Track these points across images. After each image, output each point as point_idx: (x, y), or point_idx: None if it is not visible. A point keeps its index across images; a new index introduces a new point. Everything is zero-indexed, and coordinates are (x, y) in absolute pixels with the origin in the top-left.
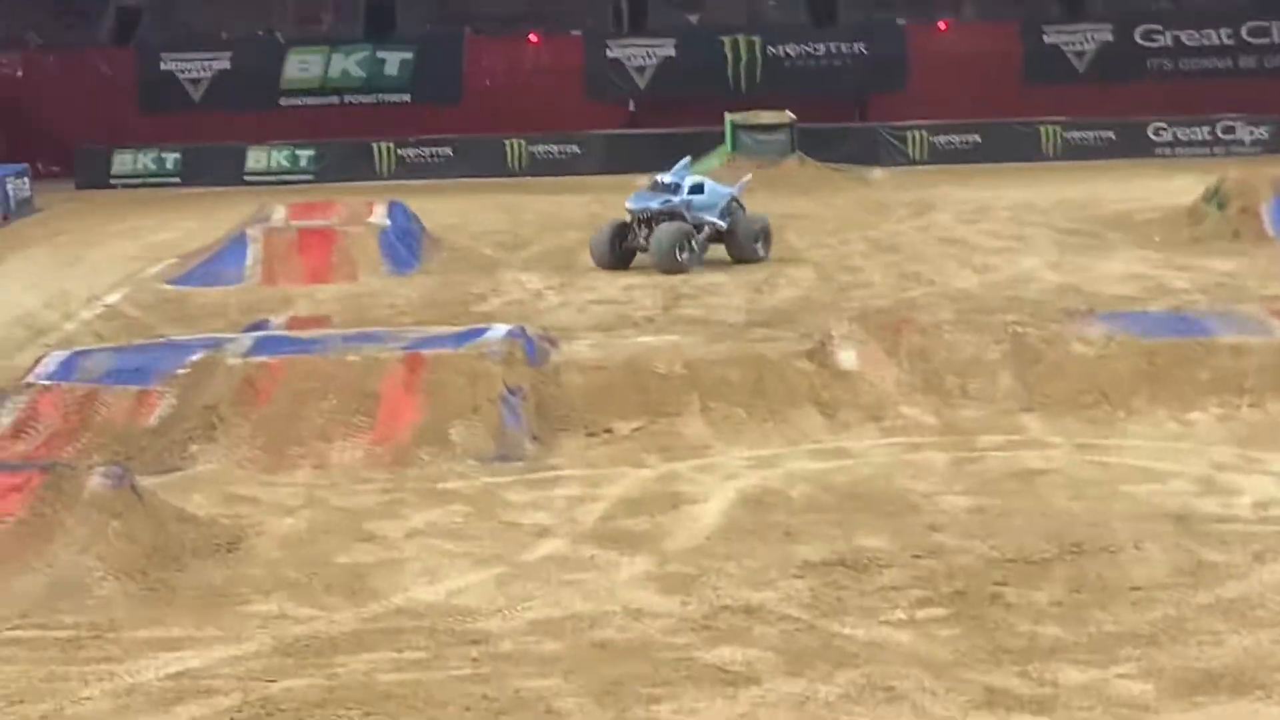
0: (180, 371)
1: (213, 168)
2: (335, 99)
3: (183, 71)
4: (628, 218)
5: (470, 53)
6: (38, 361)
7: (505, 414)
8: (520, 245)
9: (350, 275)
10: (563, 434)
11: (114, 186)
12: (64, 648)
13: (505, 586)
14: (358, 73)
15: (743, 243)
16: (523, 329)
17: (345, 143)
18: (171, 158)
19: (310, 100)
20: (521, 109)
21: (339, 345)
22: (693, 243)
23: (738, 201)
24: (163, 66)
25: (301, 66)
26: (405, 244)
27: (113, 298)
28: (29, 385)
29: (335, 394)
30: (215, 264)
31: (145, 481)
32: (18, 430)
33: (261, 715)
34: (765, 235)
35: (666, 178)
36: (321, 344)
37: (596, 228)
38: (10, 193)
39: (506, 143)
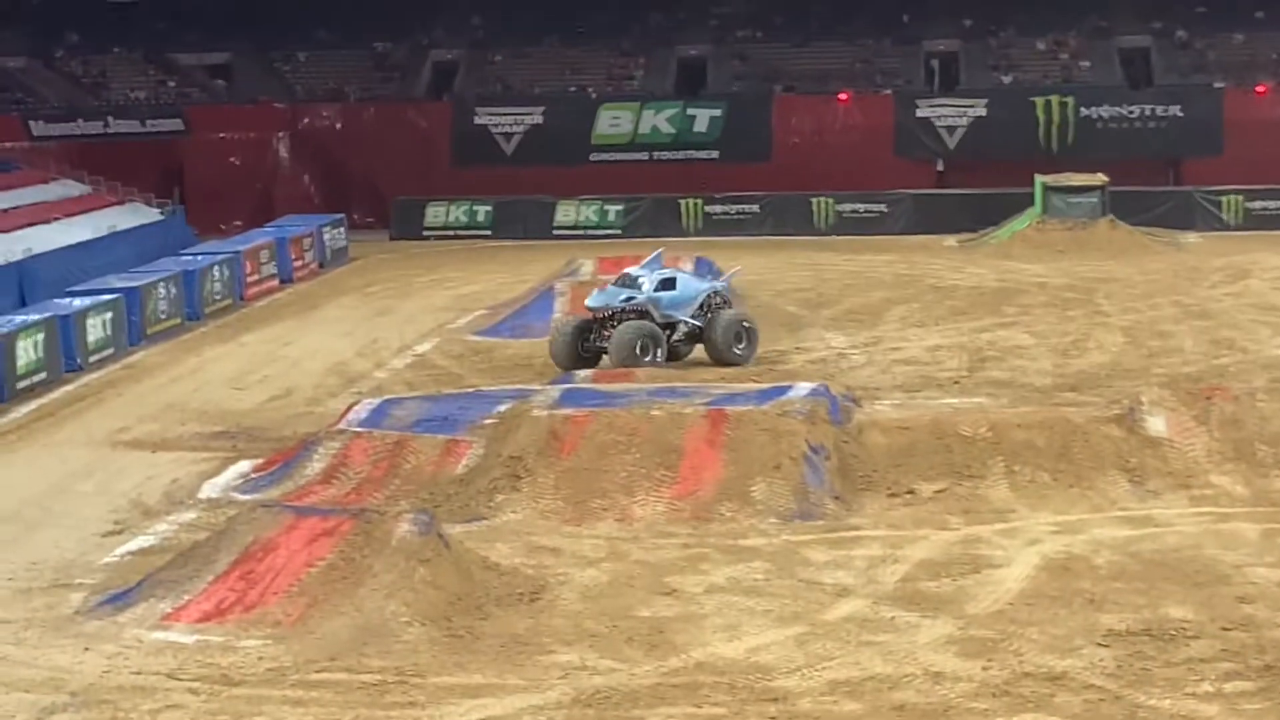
0: (487, 422)
1: (523, 221)
2: (644, 155)
3: (495, 126)
4: (592, 315)
5: (779, 111)
6: (349, 408)
7: (807, 472)
8: (825, 303)
9: None
10: (864, 493)
11: (426, 238)
12: (370, 691)
13: (805, 645)
14: (667, 129)
15: (720, 343)
16: (826, 387)
17: (653, 198)
18: (483, 210)
19: (620, 156)
20: (829, 167)
21: (643, 399)
22: (659, 343)
23: (721, 296)
24: (476, 120)
25: (612, 122)
26: None
27: (423, 347)
28: (341, 431)
29: (639, 448)
30: (523, 316)
31: (451, 529)
32: (329, 475)
33: None
34: (747, 335)
35: (634, 271)
36: (626, 398)
37: (554, 326)
38: (326, 242)
39: (813, 200)
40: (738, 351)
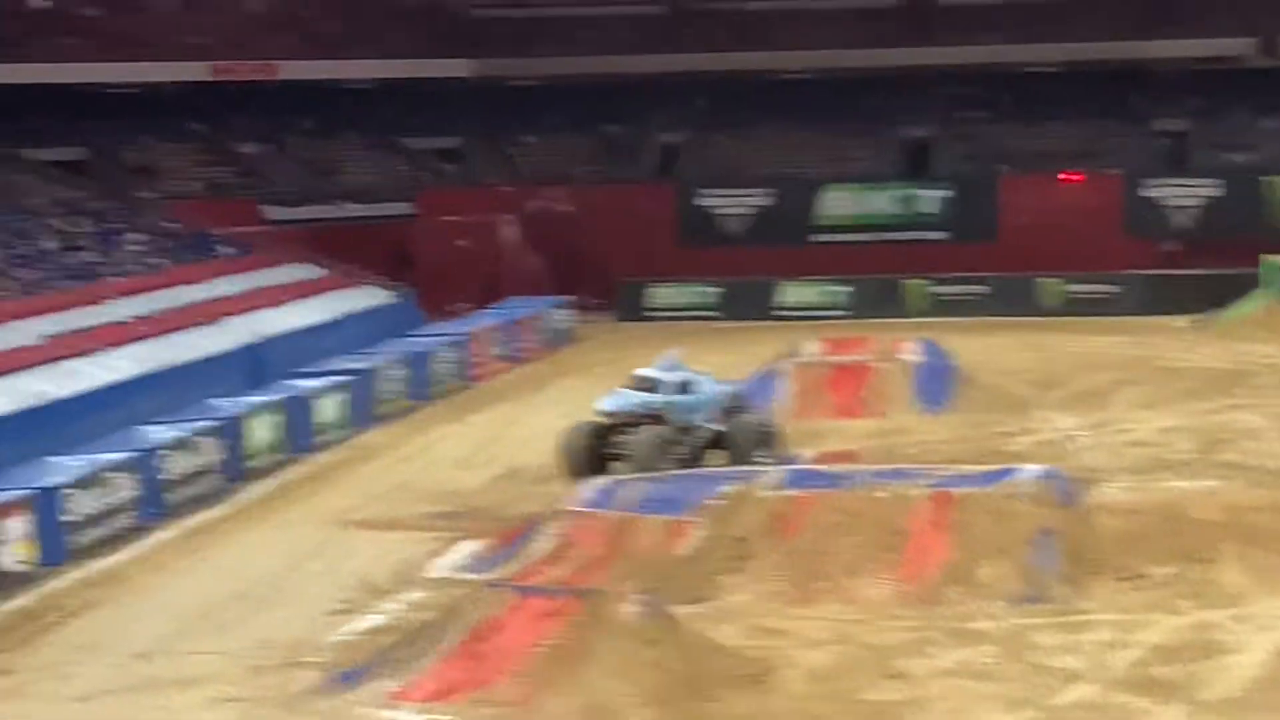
0: (712, 502)
1: (747, 302)
2: (870, 236)
3: (719, 207)
4: (605, 420)
5: (1005, 191)
6: (573, 488)
7: (1035, 555)
8: (1052, 384)
9: (880, 411)
10: (1094, 577)
11: (652, 319)
12: None
13: None
14: (891, 210)
15: (742, 449)
16: (1054, 470)
17: (878, 279)
18: (707, 292)
19: (844, 237)
20: (1056, 248)
21: (868, 480)
22: (679, 449)
23: (740, 400)
24: (700, 202)
25: (836, 204)
26: (936, 381)
27: None
28: (567, 512)
29: (864, 529)
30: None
31: (676, 610)
32: (555, 555)
33: None
34: (769, 439)
35: (649, 373)
36: (851, 479)
37: (566, 432)
38: (554, 324)
39: (1040, 281)
40: (760, 458)
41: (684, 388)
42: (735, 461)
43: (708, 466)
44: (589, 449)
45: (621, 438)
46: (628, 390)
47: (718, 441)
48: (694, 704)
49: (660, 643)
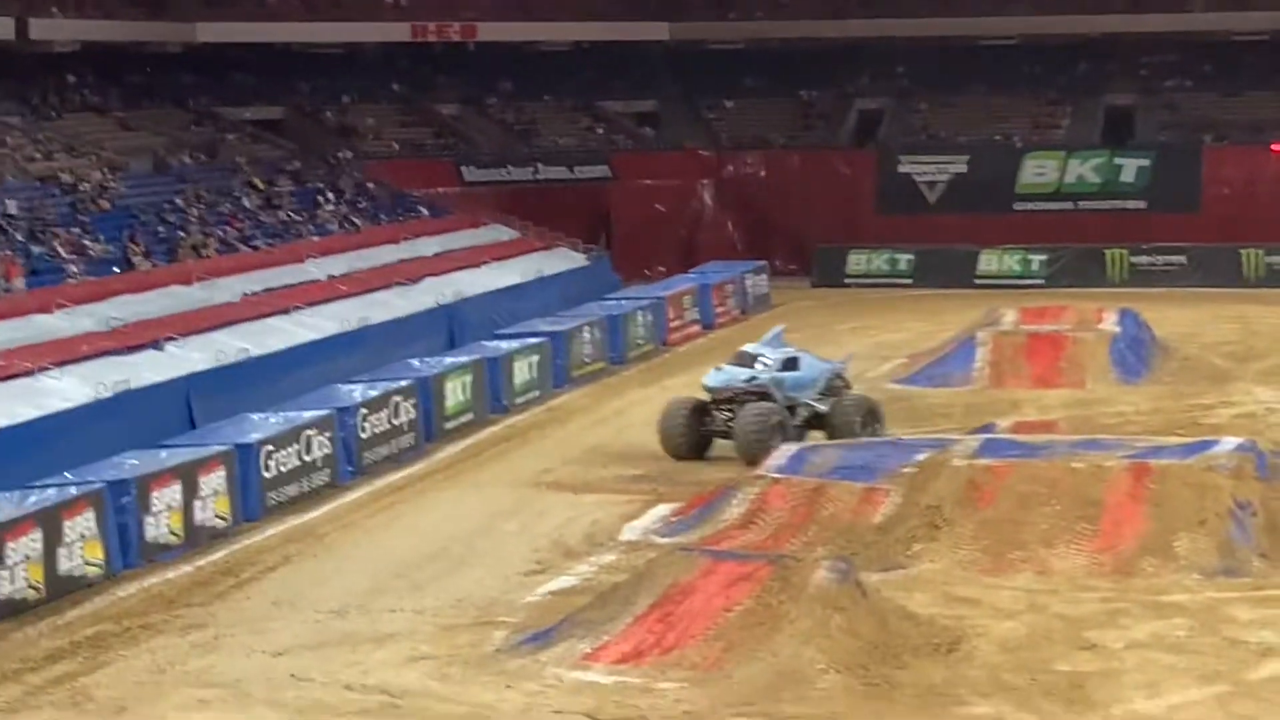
0: (906, 470)
1: (944, 270)
2: (1069, 204)
3: (919, 174)
4: (706, 396)
5: (1209, 161)
6: (769, 454)
7: (1233, 528)
8: (1253, 357)
9: (1078, 381)
10: None
11: (848, 285)
12: None
13: (1227, 705)
14: (1093, 179)
15: (845, 428)
16: (1254, 443)
17: (1078, 248)
18: (904, 259)
19: (1044, 205)
20: (1261, 218)
21: (1064, 451)
22: (786, 428)
23: (842, 379)
24: (900, 168)
25: (1037, 172)
26: (1135, 352)
27: None
28: (760, 477)
29: (1059, 500)
30: (943, 365)
31: (868, 577)
32: (747, 520)
33: None
34: (873, 418)
35: (753, 349)
36: (1047, 449)
37: (666, 408)
38: (749, 288)
39: (1243, 252)
40: (864, 438)
41: (789, 364)
42: (836, 440)
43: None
44: (690, 426)
45: (725, 414)
46: (732, 366)
47: (820, 420)
48: (884, 671)
49: (851, 609)
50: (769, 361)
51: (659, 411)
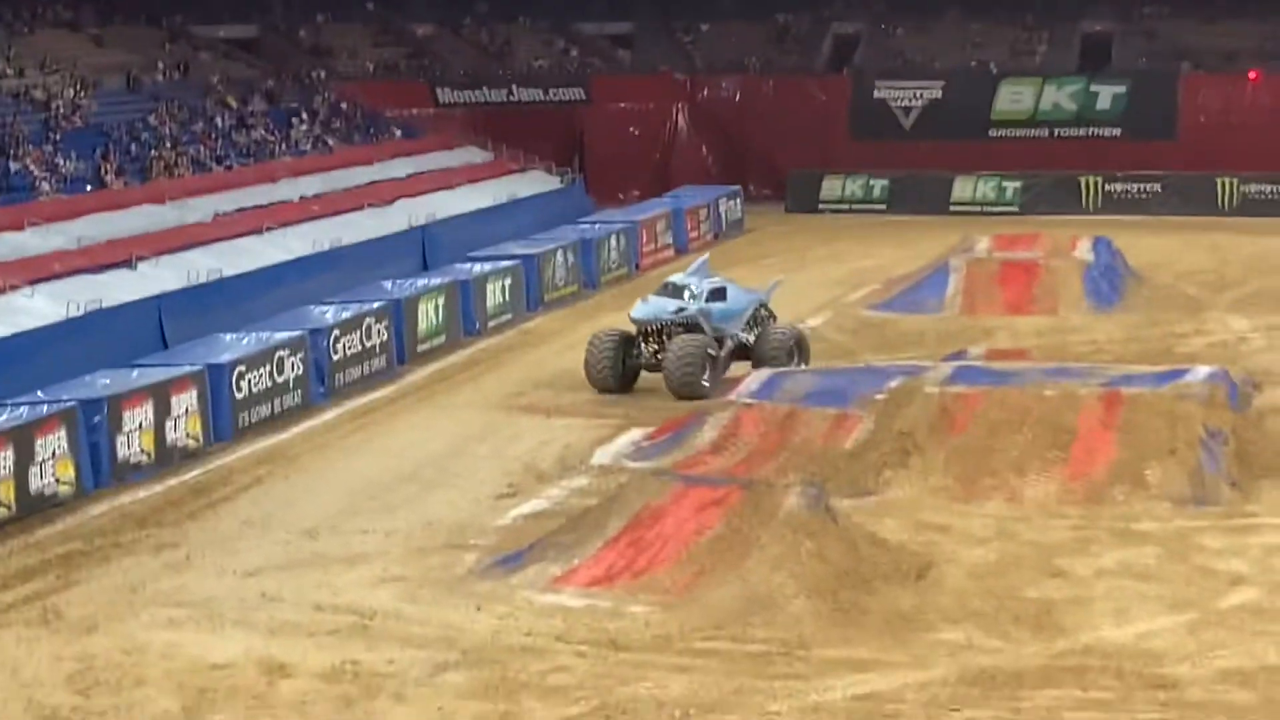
0: (878, 396)
1: (919, 196)
2: (1045, 131)
3: (895, 100)
4: (632, 328)
5: (1186, 89)
6: (741, 379)
7: (1204, 457)
8: (1226, 286)
9: (1051, 309)
10: (1263, 480)
11: (822, 211)
12: (755, 661)
13: (1196, 633)
14: (1069, 106)
15: (770, 360)
16: (1226, 372)
17: (1053, 175)
18: (879, 185)
19: (1020, 132)
20: (1236, 147)
21: (1036, 378)
22: (716, 361)
23: (767, 309)
24: (876, 94)
25: (1013, 98)
26: (1108, 280)
27: (816, 320)
28: (732, 402)
29: (1030, 427)
30: (917, 292)
31: (839, 503)
32: (719, 446)
33: None
34: (800, 350)
35: (680, 279)
36: (1019, 376)
37: (592, 341)
38: (722, 213)
39: (1218, 180)
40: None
41: (717, 294)
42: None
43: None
44: (617, 359)
45: (653, 347)
46: (659, 298)
47: (746, 351)
48: (854, 596)
49: (821, 535)
50: (697, 292)
51: (586, 345)
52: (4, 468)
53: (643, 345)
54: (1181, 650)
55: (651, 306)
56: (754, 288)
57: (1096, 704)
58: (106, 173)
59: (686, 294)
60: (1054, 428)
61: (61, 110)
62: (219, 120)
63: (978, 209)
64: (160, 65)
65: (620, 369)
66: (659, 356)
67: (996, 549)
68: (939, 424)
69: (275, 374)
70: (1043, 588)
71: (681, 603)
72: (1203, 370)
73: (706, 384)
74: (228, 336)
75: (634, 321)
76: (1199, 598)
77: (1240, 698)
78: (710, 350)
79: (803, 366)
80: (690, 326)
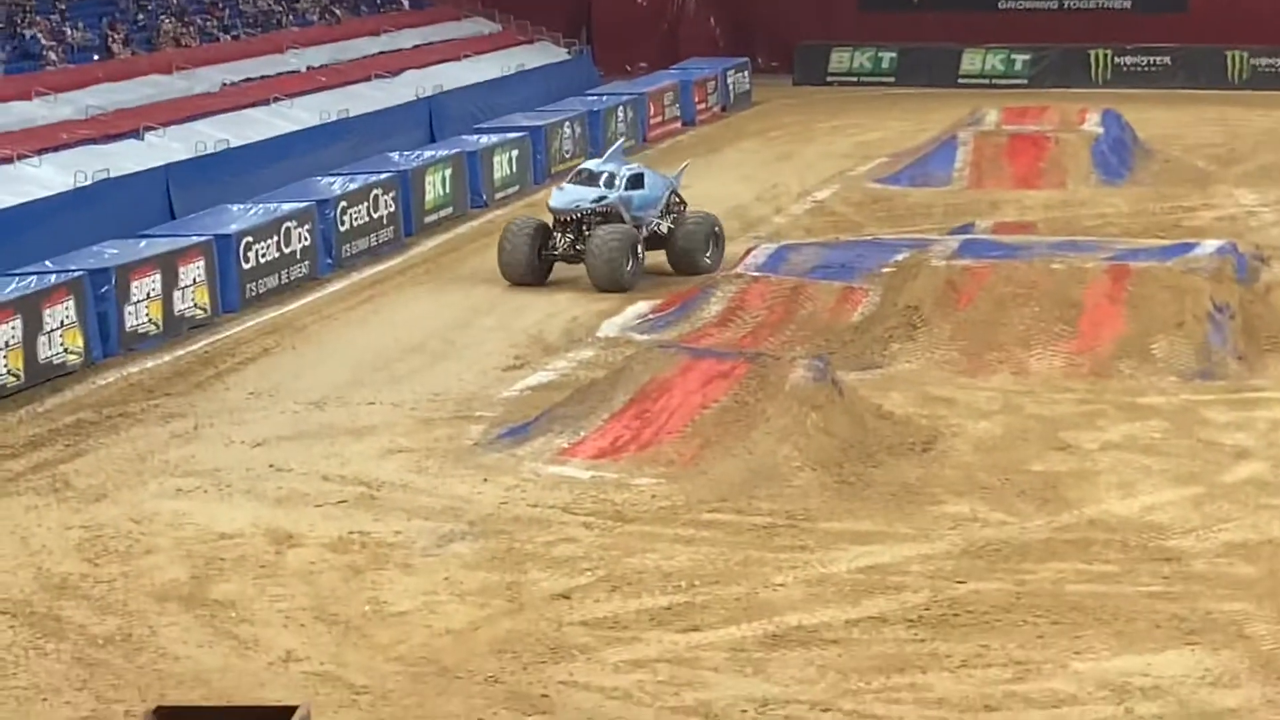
0: (885, 270)
1: (927, 69)
2: (1054, 3)
3: None
4: (549, 218)
5: None
6: (747, 253)
7: (1211, 331)
8: (1236, 160)
9: (1059, 182)
10: (1269, 354)
11: (830, 84)
12: (759, 533)
13: (1201, 506)
14: None
15: (687, 248)
16: (1233, 245)
17: (1062, 48)
18: (887, 57)
19: (1029, 4)
20: (1248, 19)
21: (1043, 252)
22: (638, 251)
23: (677, 195)
24: None
25: None
26: (1117, 154)
27: (822, 194)
28: (739, 275)
29: (1037, 301)
30: (924, 165)
31: (845, 376)
32: (725, 318)
33: (949, 615)
34: (715, 239)
35: (596, 166)
36: (1026, 250)
37: (505, 231)
38: (730, 86)
39: (1228, 53)
40: (707, 260)
41: (635, 182)
42: (677, 262)
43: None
44: (533, 249)
45: (570, 237)
46: (577, 186)
47: (660, 241)
48: (859, 469)
49: (827, 408)
50: (618, 179)
51: (500, 234)
52: (13, 337)
53: (559, 236)
54: (1186, 524)
55: (571, 194)
56: (664, 172)
57: (1101, 576)
58: (113, 42)
59: (606, 181)
60: (1061, 302)
61: None
62: None
63: (986, 82)
64: None
65: (535, 259)
66: (578, 247)
67: (1002, 422)
68: (945, 298)
69: (283, 245)
70: (1048, 461)
71: (687, 475)
72: (1210, 244)
73: (631, 275)
74: (235, 207)
75: (552, 211)
76: (1204, 471)
77: (1244, 571)
78: (635, 241)
79: (717, 259)
80: (609, 215)
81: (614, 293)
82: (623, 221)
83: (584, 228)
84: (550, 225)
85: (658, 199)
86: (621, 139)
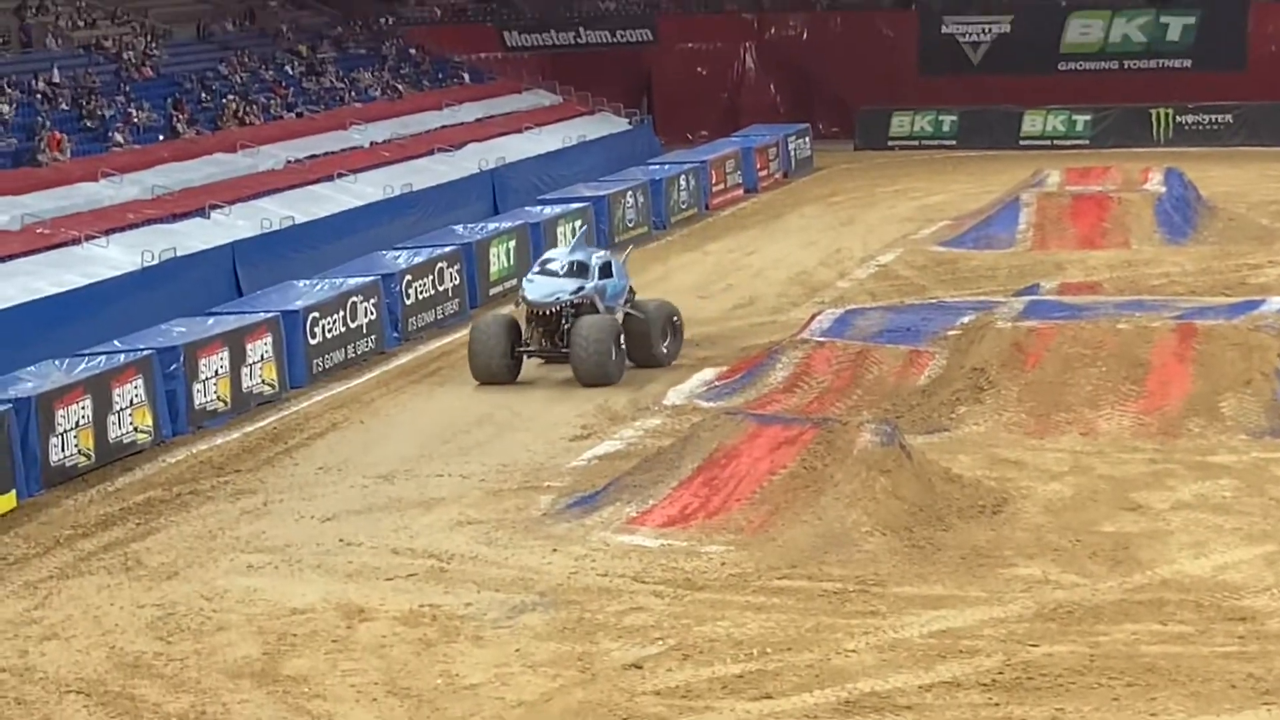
0: (951, 333)
1: (988, 131)
2: (1114, 64)
3: (963, 35)
4: (515, 310)
5: (1256, 17)
6: (812, 318)
7: (1279, 388)
8: None
9: (1123, 242)
10: None
11: (891, 147)
12: (831, 600)
13: (1275, 565)
14: (1139, 37)
15: (648, 339)
16: None
17: (1123, 108)
18: (948, 120)
19: (1089, 65)
20: None
21: (1109, 312)
22: (621, 341)
23: (631, 285)
24: (944, 29)
25: (1082, 31)
26: (1180, 212)
27: (886, 257)
28: (804, 341)
29: (1104, 361)
30: (988, 227)
31: (913, 440)
32: (792, 384)
33: (1023, 679)
34: (673, 328)
35: (567, 256)
36: (1092, 310)
37: (478, 328)
38: (791, 152)
39: None
40: (664, 350)
41: (605, 270)
42: (637, 353)
43: None
44: (507, 345)
45: (542, 330)
46: (550, 277)
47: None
48: (929, 533)
49: (896, 472)
50: (594, 269)
51: (469, 332)
52: (83, 416)
53: (534, 330)
54: (1260, 582)
55: (547, 287)
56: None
57: (1175, 637)
58: (179, 122)
59: (579, 271)
60: (1128, 361)
61: (133, 61)
62: (289, 68)
63: (1048, 143)
64: (229, 14)
65: (509, 357)
66: (557, 340)
67: (1072, 483)
68: (1012, 359)
69: (349, 319)
70: (1119, 522)
71: (757, 541)
72: (1277, 301)
73: (617, 367)
74: (301, 283)
75: (530, 304)
76: (1277, 530)
77: None
78: (618, 332)
79: (675, 349)
80: (584, 307)
81: (601, 387)
82: (597, 311)
83: (561, 320)
84: (519, 321)
85: (624, 287)
86: (585, 226)
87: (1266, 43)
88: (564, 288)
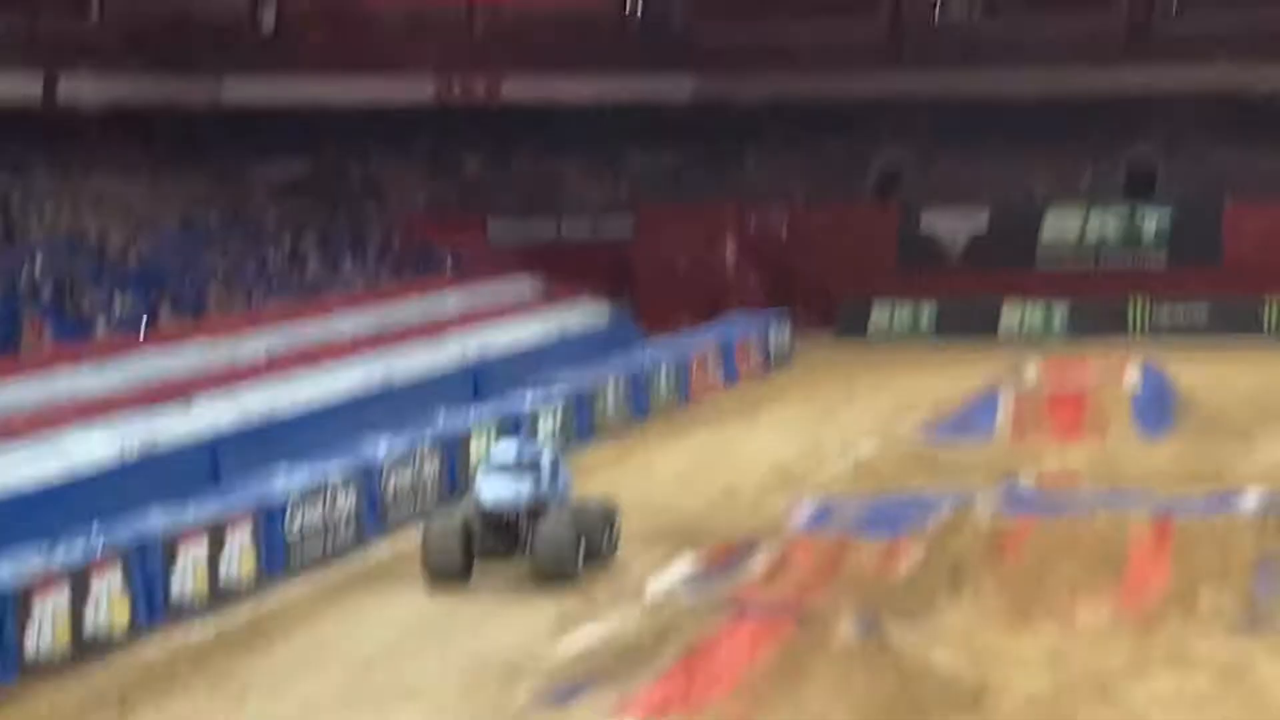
0: (929, 525)
1: (966, 323)
2: (1090, 264)
3: (941, 229)
4: (495, 513)
5: (1230, 215)
6: (792, 508)
7: (1258, 582)
8: (1276, 410)
9: (1100, 435)
10: None
11: (871, 339)
12: None
13: None
14: (1115, 232)
15: (596, 534)
16: (1278, 496)
17: (1100, 301)
18: (927, 313)
19: (1066, 265)
20: None
21: (1087, 504)
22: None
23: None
24: (923, 223)
25: (1059, 227)
26: (1156, 406)
27: (865, 449)
28: (784, 531)
29: (1082, 553)
30: (966, 419)
31: (892, 632)
32: (771, 574)
33: None
34: (610, 526)
35: (515, 454)
36: (1069, 503)
37: (432, 531)
38: (772, 341)
39: (1264, 303)
40: (605, 545)
41: (555, 469)
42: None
43: None
44: (463, 548)
45: (496, 530)
46: (507, 479)
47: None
48: None
49: (876, 664)
50: (549, 468)
51: (421, 534)
52: (60, 606)
53: (490, 533)
54: None
55: (506, 489)
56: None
57: None
58: (160, 311)
59: (532, 468)
60: (1105, 555)
61: (116, 251)
62: (271, 257)
63: (1025, 335)
64: (213, 205)
65: (465, 559)
66: (520, 539)
67: (1051, 675)
68: (990, 551)
69: (329, 509)
70: (1097, 714)
71: None
72: (1254, 494)
73: (577, 565)
74: (281, 472)
75: (492, 509)
76: None
77: None
78: (578, 529)
79: (612, 548)
80: (539, 508)
81: (562, 582)
82: (551, 510)
83: (518, 520)
84: (471, 522)
85: (569, 484)
86: (526, 422)
87: (1240, 239)
88: (523, 491)
